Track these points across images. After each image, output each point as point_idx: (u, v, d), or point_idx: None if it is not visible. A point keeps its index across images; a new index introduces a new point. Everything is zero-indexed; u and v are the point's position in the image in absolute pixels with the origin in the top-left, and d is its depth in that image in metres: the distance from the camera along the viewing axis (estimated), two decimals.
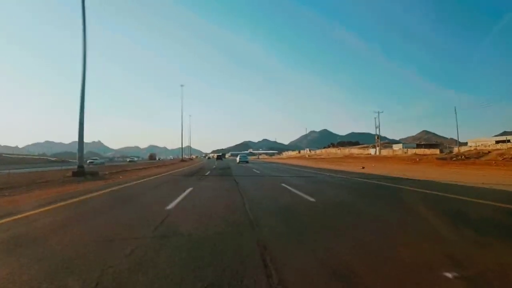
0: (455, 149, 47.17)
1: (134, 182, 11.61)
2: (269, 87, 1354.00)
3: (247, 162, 39.74)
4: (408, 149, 60.87)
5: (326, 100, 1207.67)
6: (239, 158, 41.49)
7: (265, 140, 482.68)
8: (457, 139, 55.06)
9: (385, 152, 62.42)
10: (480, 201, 6.16)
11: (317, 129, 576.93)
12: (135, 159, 79.90)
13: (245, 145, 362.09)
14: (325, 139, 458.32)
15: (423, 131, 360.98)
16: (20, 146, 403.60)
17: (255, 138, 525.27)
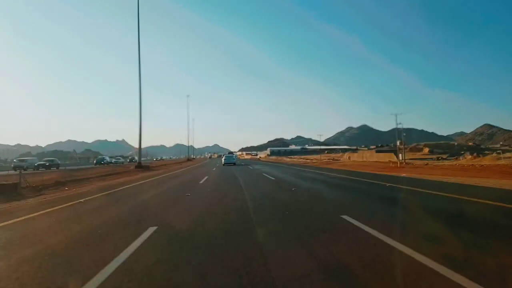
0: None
1: None
2: (299, 85, 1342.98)
3: (234, 163, 36.81)
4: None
5: (364, 94, 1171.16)
6: (225, 159, 37.94)
7: (298, 137, 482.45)
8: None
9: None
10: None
11: (355, 125, 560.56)
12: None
13: (279, 141, 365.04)
14: (366, 136, 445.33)
15: (485, 124, 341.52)
16: (40, 145, 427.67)
17: (288, 135, 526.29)
